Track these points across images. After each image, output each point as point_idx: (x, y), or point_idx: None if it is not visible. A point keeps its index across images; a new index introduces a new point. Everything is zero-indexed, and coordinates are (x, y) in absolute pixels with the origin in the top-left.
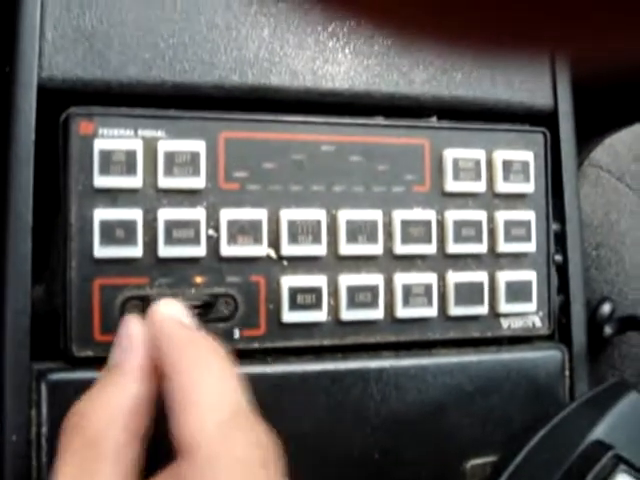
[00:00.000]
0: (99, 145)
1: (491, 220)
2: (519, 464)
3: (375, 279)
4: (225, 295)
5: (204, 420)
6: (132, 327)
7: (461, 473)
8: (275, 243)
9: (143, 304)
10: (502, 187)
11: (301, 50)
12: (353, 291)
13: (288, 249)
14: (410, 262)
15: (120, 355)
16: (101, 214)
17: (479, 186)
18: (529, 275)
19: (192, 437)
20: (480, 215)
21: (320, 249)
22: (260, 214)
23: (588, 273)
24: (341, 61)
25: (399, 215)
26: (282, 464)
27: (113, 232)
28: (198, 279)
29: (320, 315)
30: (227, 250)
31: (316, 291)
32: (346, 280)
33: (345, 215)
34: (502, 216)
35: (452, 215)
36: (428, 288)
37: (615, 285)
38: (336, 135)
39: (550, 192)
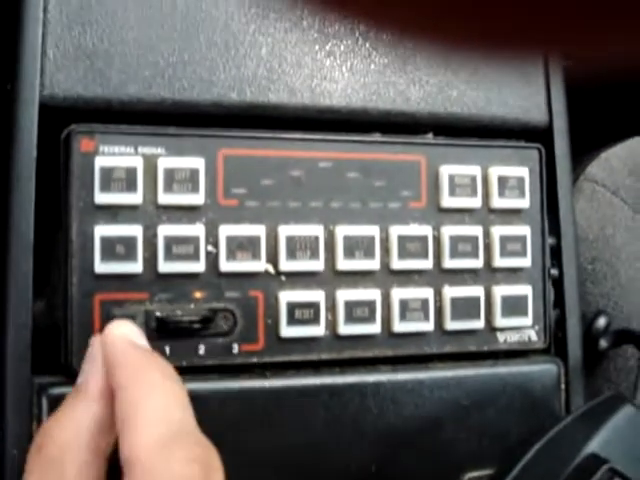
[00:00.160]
0: (100, 162)
1: (487, 235)
2: (515, 477)
3: (372, 294)
4: (224, 310)
5: (143, 435)
6: (96, 347)
7: None
8: (273, 259)
9: (147, 319)
10: (498, 203)
11: (299, 68)
12: (351, 306)
13: (286, 264)
14: (407, 277)
15: (84, 375)
16: (102, 230)
17: (475, 202)
18: (525, 289)
19: (131, 452)
20: (476, 230)
21: (318, 264)
22: (258, 230)
23: (584, 287)
24: (338, 79)
25: (396, 231)
26: (222, 475)
27: (113, 248)
28: (197, 294)
29: (318, 330)
30: (226, 266)
31: (314, 306)
32: (344, 295)
33: (342, 231)
34: (498, 231)
35: (448, 230)
36: (425, 303)
37: (610, 299)
38: (333, 152)
39: (545, 207)
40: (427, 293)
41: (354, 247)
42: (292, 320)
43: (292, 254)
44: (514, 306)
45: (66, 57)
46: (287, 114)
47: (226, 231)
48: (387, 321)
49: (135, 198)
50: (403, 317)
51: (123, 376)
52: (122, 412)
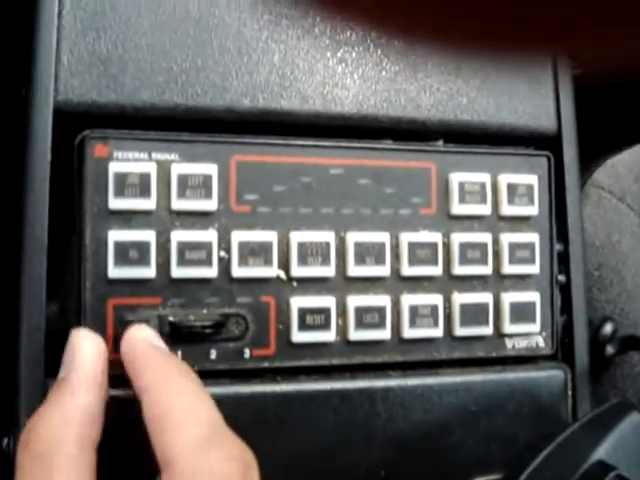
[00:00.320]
0: (114, 168)
1: (496, 242)
2: None
3: (382, 300)
4: (236, 315)
5: (182, 435)
6: (75, 341)
7: None
8: (285, 264)
9: (159, 324)
10: (507, 210)
11: (311, 75)
12: (361, 312)
13: (298, 270)
14: (417, 283)
15: (65, 369)
16: (115, 235)
17: (484, 209)
18: (533, 296)
19: (171, 451)
20: (485, 237)
21: (329, 270)
22: (270, 236)
23: (590, 293)
24: (350, 86)
25: (406, 237)
26: (258, 476)
27: (127, 253)
28: (210, 299)
29: (329, 335)
30: (238, 271)
31: (325, 312)
32: (354, 301)
33: (353, 237)
34: (507, 238)
35: (458, 237)
36: (434, 309)
37: (617, 305)
38: (345, 158)
39: (554, 215)
40: (437, 299)
41: (365, 253)
42: (303, 325)
43: (303, 260)
44: (522, 312)
45: (80, 63)
46: (299, 121)
47: (238, 237)
48: (397, 327)
49: (148, 204)
50: (413, 323)
51: (148, 378)
52: (153, 413)
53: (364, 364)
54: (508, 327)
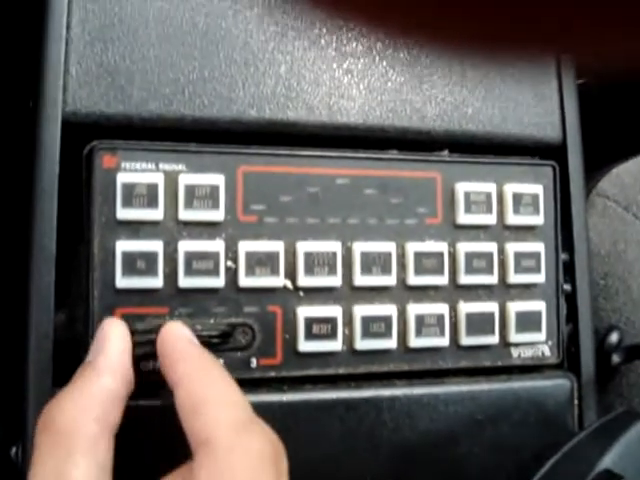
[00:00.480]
0: (122, 178)
1: (502, 252)
2: None
3: (389, 309)
4: (243, 325)
5: (221, 416)
6: (106, 328)
7: None
8: (292, 274)
9: None
10: (512, 219)
11: (317, 86)
12: (367, 321)
13: (304, 280)
14: (423, 293)
15: (93, 353)
16: (123, 245)
17: (490, 218)
18: (539, 305)
19: (209, 431)
20: (491, 247)
21: (335, 280)
22: (277, 246)
23: (596, 302)
24: (356, 97)
25: (412, 247)
26: (288, 466)
27: (135, 263)
28: (217, 309)
29: (335, 345)
30: (245, 281)
31: (331, 321)
32: (360, 310)
33: (360, 247)
34: (512, 248)
35: (464, 247)
36: (440, 318)
37: (623, 314)
38: (351, 169)
39: (559, 224)
40: (442, 309)
41: (371, 263)
42: (310, 335)
43: (310, 270)
44: (528, 322)
45: (88, 74)
46: (305, 131)
47: (245, 247)
48: (403, 336)
49: (156, 214)
50: (419, 332)
51: (187, 368)
52: (190, 399)
53: (370, 373)
54: (514, 336)
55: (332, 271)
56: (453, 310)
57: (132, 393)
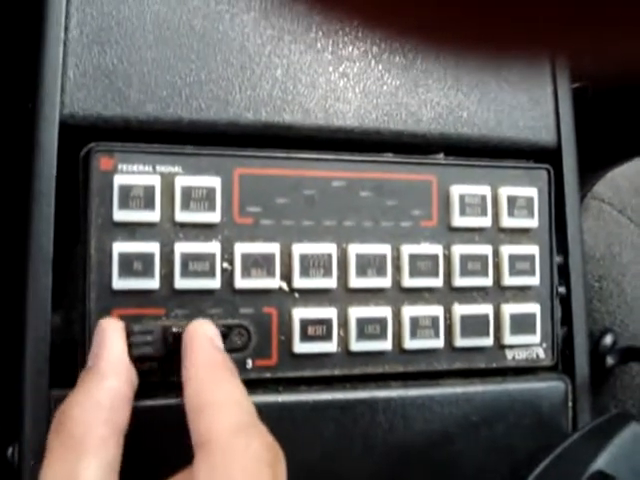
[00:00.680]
0: (119, 180)
1: (496, 254)
2: None
3: (384, 311)
4: (238, 326)
5: (222, 419)
6: (102, 330)
7: None
8: (287, 276)
9: (163, 334)
10: (507, 222)
11: (313, 89)
12: (362, 323)
13: (300, 282)
14: (418, 295)
15: (94, 357)
16: (120, 247)
17: (485, 221)
18: (533, 308)
19: (209, 433)
20: (486, 249)
21: (331, 282)
22: (273, 248)
23: (590, 305)
24: (352, 100)
25: (407, 249)
26: (285, 472)
27: (131, 264)
28: (212, 310)
29: (330, 346)
30: (241, 283)
31: (326, 323)
32: (356, 312)
33: (355, 249)
34: (507, 250)
35: (458, 249)
36: (435, 320)
37: (617, 317)
38: (346, 171)
39: (554, 227)
40: (437, 311)
41: (366, 265)
42: (305, 336)
43: (305, 272)
44: (522, 324)
45: (86, 77)
46: (301, 134)
47: (241, 249)
48: (398, 338)
49: (153, 216)
50: (414, 334)
51: (198, 368)
52: (196, 399)
53: (365, 375)
54: (508, 338)
55: (327, 273)
56: (448, 312)
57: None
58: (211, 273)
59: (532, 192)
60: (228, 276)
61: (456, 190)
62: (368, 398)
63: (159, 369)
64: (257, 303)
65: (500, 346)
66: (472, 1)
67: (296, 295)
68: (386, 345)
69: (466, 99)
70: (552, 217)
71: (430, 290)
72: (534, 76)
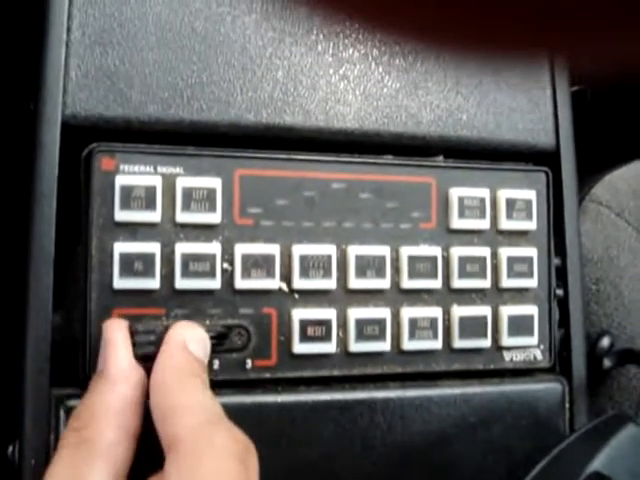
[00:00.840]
0: (120, 181)
1: (495, 256)
2: None
3: (383, 312)
4: (238, 326)
5: (186, 420)
6: (110, 332)
7: None
8: (287, 277)
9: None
10: (506, 224)
11: (314, 91)
12: (361, 324)
13: (299, 283)
14: (416, 296)
15: (103, 362)
16: (121, 247)
17: (483, 223)
18: (531, 310)
19: (176, 433)
20: (484, 251)
21: (330, 283)
22: (273, 249)
23: (588, 307)
24: (352, 102)
25: (406, 251)
26: (257, 464)
27: (132, 264)
28: (213, 311)
29: (329, 347)
30: (241, 283)
31: (326, 323)
32: (355, 313)
33: (354, 250)
34: (505, 252)
35: (457, 251)
36: (433, 322)
37: (614, 319)
38: (346, 173)
39: (552, 229)
40: (436, 312)
41: (365, 266)
42: (304, 337)
43: (305, 273)
44: (520, 326)
45: (88, 77)
46: (302, 136)
47: (241, 249)
48: (397, 339)
49: (154, 216)
50: (412, 335)
51: (164, 374)
52: (161, 404)
53: (364, 375)
54: (506, 340)
55: (327, 274)
56: (446, 313)
57: None
58: (211, 273)
59: (531, 195)
60: (228, 276)
61: (455, 192)
62: (367, 399)
63: None
64: (257, 303)
65: (498, 348)
66: (472, 2)
67: (296, 296)
68: (385, 346)
69: (465, 102)
70: (550, 220)
71: (429, 291)
72: (534, 78)
